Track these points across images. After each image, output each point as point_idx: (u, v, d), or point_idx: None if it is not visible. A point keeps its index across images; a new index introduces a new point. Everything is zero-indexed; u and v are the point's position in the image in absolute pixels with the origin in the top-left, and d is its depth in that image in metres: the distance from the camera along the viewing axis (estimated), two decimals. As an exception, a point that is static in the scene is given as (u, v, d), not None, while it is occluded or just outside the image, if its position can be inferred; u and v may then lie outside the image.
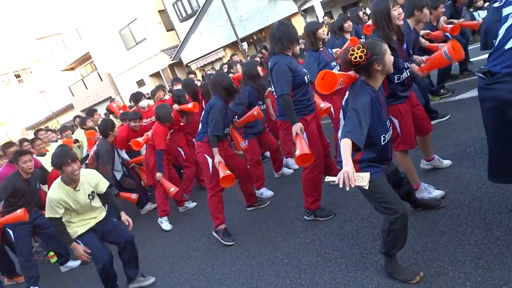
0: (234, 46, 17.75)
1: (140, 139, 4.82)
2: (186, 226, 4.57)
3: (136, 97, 6.14)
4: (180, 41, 19.47)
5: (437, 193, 2.96)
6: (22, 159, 4.11)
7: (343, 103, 2.26)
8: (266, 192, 4.37)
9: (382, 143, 2.23)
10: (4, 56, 31.77)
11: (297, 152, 2.98)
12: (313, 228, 3.31)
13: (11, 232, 4.24)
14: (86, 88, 25.89)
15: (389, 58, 2.17)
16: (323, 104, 3.43)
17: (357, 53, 2.08)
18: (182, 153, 5.29)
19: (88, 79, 25.93)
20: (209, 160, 3.67)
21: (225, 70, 6.96)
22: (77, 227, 3.26)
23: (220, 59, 18.15)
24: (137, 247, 3.52)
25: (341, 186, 1.79)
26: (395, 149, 2.83)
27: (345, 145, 1.96)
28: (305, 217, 3.49)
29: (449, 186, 3.07)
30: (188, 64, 19.45)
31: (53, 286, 4.41)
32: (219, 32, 17.69)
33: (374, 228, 2.94)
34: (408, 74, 2.94)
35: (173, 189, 4.49)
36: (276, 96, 3.29)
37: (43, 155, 5.26)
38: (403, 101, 2.92)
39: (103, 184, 3.41)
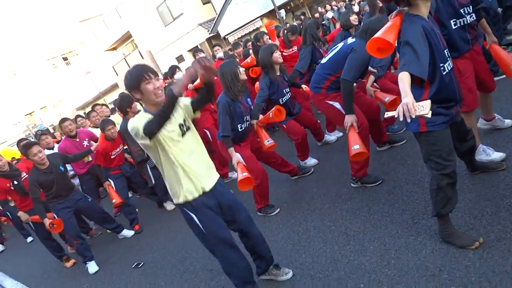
0: (271, 15, 17.32)
1: None
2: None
3: (171, 71, 6.20)
4: (216, 14, 19.29)
5: (497, 155, 2.75)
6: (31, 153, 4.06)
7: (396, 46, 2.03)
8: (310, 161, 4.31)
9: (444, 74, 2.02)
10: (52, 41, 33.23)
11: (355, 147, 2.92)
12: (361, 194, 3.23)
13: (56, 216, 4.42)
14: (129, 67, 26.45)
15: None
16: (388, 98, 3.25)
17: None
18: (209, 134, 5.00)
19: (130, 57, 26.56)
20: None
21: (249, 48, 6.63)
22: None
23: (257, 29, 17.83)
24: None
25: (401, 119, 1.68)
26: None
27: (402, 78, 1.82)
28: (351, 184, 3.41)
29: (510, 148, 2.84)
30: (226, 37, 19.32)
31: (110, 253, 4.69)
32: (255, 1, 17.30)
33: (426, 193, 2.81)
34: (471, 20, 2.53)
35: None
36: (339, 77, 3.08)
37: (97, 126, 5.48)
38: (464, 55, 2.59)
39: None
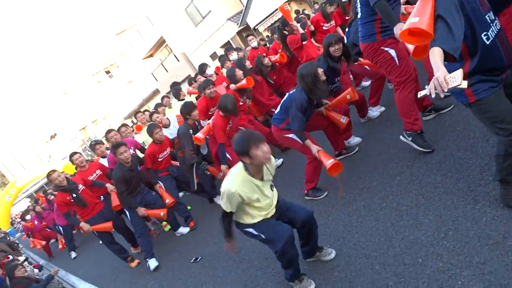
0: (298, -2, 16.98)
1: (200, 134, 4.71)
2: (277, 179, 4.63)
3: (201, 69, 6.29)
4: (243, 6, 19.24)
5: None
6: (118, 151, 4.45)
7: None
8: (353, 140, 4.20)
9: (488, 43, 1.84)
10: (93, 57, 35.01)
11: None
12: (410, 167, 3.10)
13: (128, 213, 4.80)
14: (167, 71, 27.33)
15: None
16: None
17: None
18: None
19: (167, 62, 27.28)
20: (292, 135, 3.52)
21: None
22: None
23: (286, 14, 17.56)
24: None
25: (433, 95, 1.60)
26: None
27: (433, 53, 1.72)
28: (401, 137, 3.29)
29: None
30: (256, 27, 19.22)
31: (169, 251, 4.90)
32: (280, -14, 17.01)
33: (481, 158, 2.65)
34: None
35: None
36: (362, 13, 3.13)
37: (166, 126, 5.71)
38: (500, 16, 2.34)
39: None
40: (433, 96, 1.60)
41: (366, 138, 4.15)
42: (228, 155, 4.61)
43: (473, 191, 2.41)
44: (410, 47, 2.19)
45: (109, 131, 5.76)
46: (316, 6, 8.68)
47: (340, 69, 4.01)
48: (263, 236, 2.50)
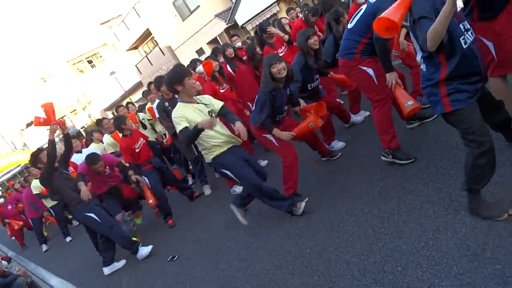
0: (287, -2, 17.00)
1: None
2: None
3: (192, 65, 6.20)
4: (232, 3, 19.14)
5: None
6: (40, 158, 4.42)
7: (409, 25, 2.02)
8: (337, 144, 4.20)
9: (465, 47, 1.92)
10: (75, 45, 34.16)
11: (408, 104, 2.89)
12: (393, 174, 3.12)
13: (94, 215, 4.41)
14: (151, 64, 26.95)
15: None
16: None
17: None
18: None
19: (152, 55, 26.90)
20: (268, 135, 3.54)
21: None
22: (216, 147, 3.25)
23: (275, 14, 17.56)
24: (215, 207, 3.62)
25: None
26: (490, 74, 2.48)
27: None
28: (382, 157, 3.29)
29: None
30: (244, 26, 19.15)
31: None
32: (270, -14, 17.00)
33: (462, 168, 2.66)
34: None
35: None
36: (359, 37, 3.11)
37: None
38: (500, 16, 2.36)
39: (216, 102, 3.41)
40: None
41: (350, 142, 4.17)
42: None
43: (454, 201, 2.44)
44: None
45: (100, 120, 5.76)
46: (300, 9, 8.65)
47: (315, 66, 3.96)
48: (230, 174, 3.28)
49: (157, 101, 5.61)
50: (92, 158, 4.66)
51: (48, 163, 4.15)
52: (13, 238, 9.79)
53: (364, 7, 3.11)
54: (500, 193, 2.30)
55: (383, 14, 1.87)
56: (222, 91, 4.95)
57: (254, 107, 3.62)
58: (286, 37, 5.33)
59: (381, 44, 2.91)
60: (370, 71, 3.14)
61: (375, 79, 3.14)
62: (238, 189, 4.63)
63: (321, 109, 3.55)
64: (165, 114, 5.04)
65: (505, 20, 2.38)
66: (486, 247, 2.00)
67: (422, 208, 2.55)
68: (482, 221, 2.16)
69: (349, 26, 3.24)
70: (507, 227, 2.03)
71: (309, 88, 3.99)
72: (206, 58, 5.30)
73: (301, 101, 3.78)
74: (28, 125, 34.84)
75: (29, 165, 5.26)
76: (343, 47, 3.27)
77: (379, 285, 2.18)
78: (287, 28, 6.11)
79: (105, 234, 4.49)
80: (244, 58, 5.49)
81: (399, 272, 2.18)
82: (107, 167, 4.93)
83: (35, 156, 4.52)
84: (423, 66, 2.12)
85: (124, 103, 25.71)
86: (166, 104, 5.03)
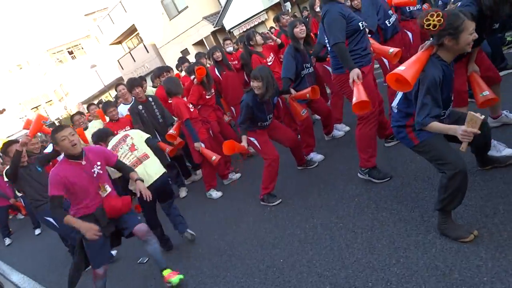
0: (277, 8, 17.16)
1: (171, 131, 4.54)
2: (237, 192, 4.61)
3: (182, 61, 6.20)
4: (221, 7, 19.17)
5: (508, 151, 2.69)
6: (11, 150, 4.16)
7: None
8: (315, 157, 4.25)
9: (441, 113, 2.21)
10: (57, 34, 33.29)
11: (354, 99, 2.89)
12: (368, 191, 3.18)
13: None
14: (134, 61, 26.60)
15: (466, 38, 2.05)
16: (392, 49, 3.22)
17: (432, 21, 2.02)
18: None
19: (135, 51, 26.57)
20: (252, 138, 3.74)
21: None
22: None
23: (262, 22, 17.70)
24: (189, 212, 3.59)
25: (464, 149, 2.00)
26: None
27: (434, 126, 2.11)
28: (359, 175, 3.36)
29: (523, 144, 2.78)
30: (231, 30, 19.20)
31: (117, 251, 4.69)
32: (260, -6, 17.14)
33: (435, 190, 2.73)
34: None
35: (214, 157, 4.33)
36: (329, 47, 3.15)
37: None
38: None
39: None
40: (464, 149, 2.00)
41: (329, 156, 4.23)
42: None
43: (426, 221, 2.51)
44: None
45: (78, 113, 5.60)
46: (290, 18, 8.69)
47: (307, 53, 4.11)
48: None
49: (122, 105, 5.42)
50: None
51: (11, 168, 4.02)
52: None
53: None
54: (468, 216, 2.38)
55: (400, 68, 2.11)
56: (207, 97, 4.92)
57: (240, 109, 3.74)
58: (279, 41, 5.39)
59: (336, 47, 3.00)
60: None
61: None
62: (215, 194, 4.62)
63: (315, 93, 3.75)
64: (139, 118, 4.89)
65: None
66: (454, 268, 2.06)
67: (395, 226, 2.61)
68: (451, 243, 2.23)
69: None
70: (475, 250, 2.11)
71: (301, 75, 4.08)
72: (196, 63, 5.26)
73: (292, 90, 3.93)
74: (0, 112, 33.60)
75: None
76: (332, 63, 3.34)
77: (349, 300, 2.21)
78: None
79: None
80: (234, 63, 5.50)
81: (369, 288, 2.22)
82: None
83: (5, 148, 4.35)
84: (395, 110, 2.40)
85: (104, 97, 25.15)
86: (140, 107, 4.93)
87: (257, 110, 3.63)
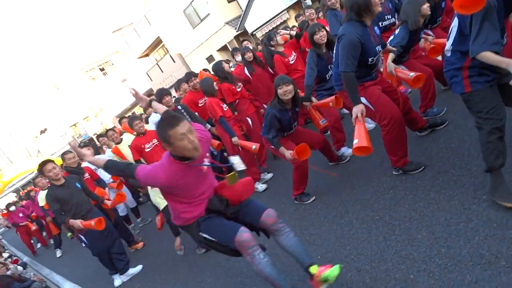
0: (297, 6, 17.08)
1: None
2: (270, 191, 4.63)
3: (187, 77, 6.27)
4: (242, 11, 19.30)
5: None
6: (46, 169, 4.20)
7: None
8: (347, 151, 4.20)
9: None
10: (88, 53, 34.74)
11: (354, 142, 2.72)
12: (404, 182, 3.11)
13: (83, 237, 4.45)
14: (162, 72, 27.24)
15: None
16: (412, 74, 3.13)
17: None
18: (250, 122, 5.09)
19: (162, 62, 27.18)
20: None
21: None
22: None
23: (284, 21, 17.66)
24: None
25: None
26: None
27: (491, 56, 2.01)
28: (393, 172, 3.30)
29: None
30: (253, 33, 19.28)
31: (157, 253, 4.84)
32: (280, -7, 17.13)
33: (474, 176, 2.66)
34: None
35: (254, 146, 4.30)
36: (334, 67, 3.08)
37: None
38: None
39: None
40: None
41: (361, 150, 4.16)
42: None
43: (466, 209, 2.42)
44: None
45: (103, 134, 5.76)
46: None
47: (328, 57, 4.02)
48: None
49: (154, 115, 5.43)
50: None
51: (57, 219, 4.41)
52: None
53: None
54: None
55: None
56: (238, 89, 5.04)
57: (264, 120, 3.71)
58: (293, 32, 5.40)
59: (345, 76, 2.86)
60: (363, 99, 3.02)
61: (370, 106, 3.04)
62: (260, 186, 4.72)
63: (338, 103, 3.56)
64: None
65: None
66: (500, 256, 1.99)
67: (433, 216, 2.54)
68: (496, 229, 2.15)
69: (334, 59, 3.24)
70: (521, 235, 2.02)
71: (327, 78, 4.06)
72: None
73: (313, 99, 3.86)
74: (42, 132, 35.44)
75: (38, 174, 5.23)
76: (334, 78, 3.27)
77: (391, 293, 2.17)
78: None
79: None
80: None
81: (411, 280, 2.17)
82: None
83: (42, 166, 4.30)
84: (449, 53, 2.31)
85: (136, 110, 25.87)
86: None
87: (283, 119, 3.58)
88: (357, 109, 2.82)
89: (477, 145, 2.95)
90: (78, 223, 4.07)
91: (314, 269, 2.32)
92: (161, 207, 4.42)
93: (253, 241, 2.29)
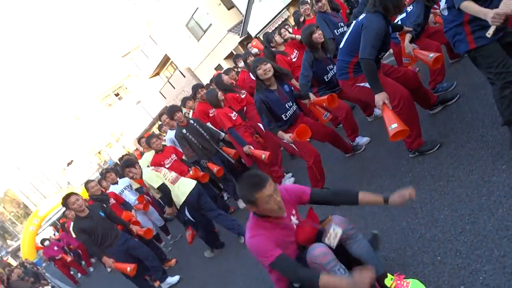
0: (297, 2, 17.03)
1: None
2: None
3: (194, 90, 6.28)
4: (243, 16, 19.40)
5: None
6: (70, 202, 4.23)
7: None
8: (361, 140, 4.15)
9: None
10: (102, 80, 35.71)
11: (392, 127, 2.63)
12: (421, 163, 3.05)
13: None
14: (174, 88, 27.65)
15: None
16: (432, 54, 3.09)
17: None
18: (261, 127, 4.89)
19: (173, 79, 27.60)
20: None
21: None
22: None
23: (286, 20, 17.64)
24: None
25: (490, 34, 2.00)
26: None
27: (471, 6, 2.03)
28: (409, 155, 3.24)
29: None
30: (257, 36, 19.33)
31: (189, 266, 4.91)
32: (277, -8, 17.14)
33: (492, 147, 2.59)
34: None
35: (263, 156, 4.31)
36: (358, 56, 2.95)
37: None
38: None
39: None
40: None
41: (376, 136, 4.10)
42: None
43: (486, 182, 2.36)
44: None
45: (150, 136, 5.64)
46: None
47: (325, 57, 3.97)
48: None
49: (170, 132, 5.67)
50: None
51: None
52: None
53: (352, 24, 3.09)
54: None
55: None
56: (243, 96, 5.10)
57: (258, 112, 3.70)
58: (298, 37, 5.35)
59: (366, 63, 2.80)
60: (367, 85, 2.97)
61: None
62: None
63: (333, 101, 3.49)
64: (185, 141, 4.95)
65: None
66: (526, 226, 1.93)
67: (454, 194, 2.49)
68: (519, 199, 2.09)
69: (340, 45, 3.22)
70: (545, 201, 1.95)
71: (326, 80, 4.00)
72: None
73: (311, 95, 3.77)
74: (69, 164, 36.56)
75: None
76: (337, 68, 3.26)
77: (420, 278, 2.13)
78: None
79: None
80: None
81: (439, 262, 2.13)
82: None
83: (65, 200, 4.31)
84: (445, 11, 2.29)
85: (154, 129, 26.31)
86: (184, 131, 4.96)
87: (273, 103, 3.50)
88: (380, 97, 2.78)
89: (490, 114, 2.88)
90: (110, 262, 4.19)
91: (388, 282, 2.11)
92: (182, 199, 4.26)
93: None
